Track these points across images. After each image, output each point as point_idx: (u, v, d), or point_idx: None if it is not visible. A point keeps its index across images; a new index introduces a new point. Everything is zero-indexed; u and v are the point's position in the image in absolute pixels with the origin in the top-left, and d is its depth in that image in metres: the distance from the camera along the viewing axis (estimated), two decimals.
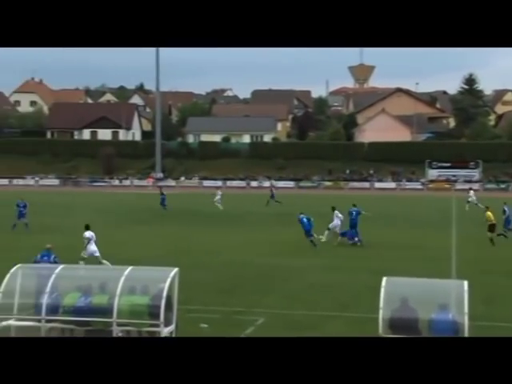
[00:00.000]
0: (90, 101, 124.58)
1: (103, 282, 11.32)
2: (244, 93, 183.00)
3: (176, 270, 11.26)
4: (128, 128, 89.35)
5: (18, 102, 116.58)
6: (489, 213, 26.37)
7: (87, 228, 20.08)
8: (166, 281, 10.85)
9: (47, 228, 30.50)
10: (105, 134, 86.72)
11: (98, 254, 19.63)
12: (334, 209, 26.50)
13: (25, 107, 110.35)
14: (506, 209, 28.45)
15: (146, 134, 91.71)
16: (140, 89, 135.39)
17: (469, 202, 40.23)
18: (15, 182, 73.27)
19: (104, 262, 19.16)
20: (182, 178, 75.04)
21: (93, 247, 19.77)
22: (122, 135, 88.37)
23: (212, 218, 35.44)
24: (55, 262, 15.38)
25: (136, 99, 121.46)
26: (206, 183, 73.80)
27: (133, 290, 11.08)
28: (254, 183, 73.00)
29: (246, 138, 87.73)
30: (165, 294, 10.68)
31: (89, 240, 19.85)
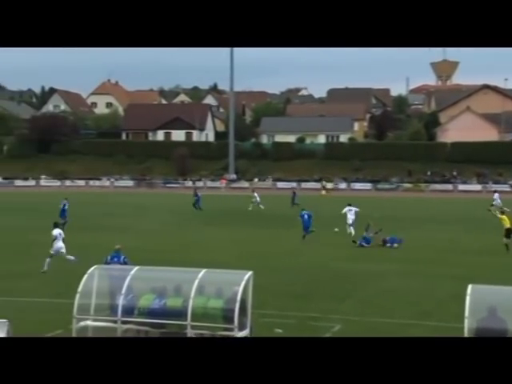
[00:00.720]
0: (164, 101, 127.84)
1: (178, 284, 11.47)
2: (319, 92, 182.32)
3: (250, 273, 11.32)
4: (201, 129, 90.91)
5: (94, 104, 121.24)
6: (504, 217, 26.01)
7: (55, 226, 21.16)
8: (240, 284, 10.92)
9: (120, 229, 31.56)
10: (178, 135, 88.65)
11: (63, 250, 20.60)
12: (349, 204, 29.97)
13: (101, 109, 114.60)
14: None
15: (219, 135, 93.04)
16: (214, 89, 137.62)
17: (493, 205, 39.43)
18: (91, 183, 76.20)
19: (69, 257, 20.24)
20: (256, 180, 75.57)
21: (59, 244, 20.74)
22: (196, 136, 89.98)
23: (285, 220, 35.49)
24: (125, 263, 15.77)
25: (209, 99, 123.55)
26: (280, 185, 73.95)
27: (207, 292, 11.19)
28: (329, 185, 72.47)
29: (322, 139, 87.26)
30: (239, 297, 10.74)
31: (56, 237, 20.85)
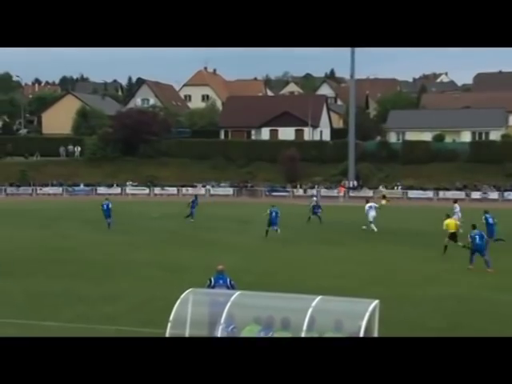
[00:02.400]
0: (270, 93, 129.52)
1: (286, 314, 11.46)
2: (463, 78, 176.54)
3: (376, 302, 11.19)
4: (315, 125, 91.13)
5: (188, 97, 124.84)
6: (450, 221, 30.03)
7: None
8: (364, 316, 10.83)
9: (218, 245, 32.24)
10: (287, 133, 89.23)
11: None
12: (367, 201, 38.84)
13: (196, 102, 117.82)
14: (487, 217, 32.37)
15: (336, 133, 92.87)
16: (330, 77, 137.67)
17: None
18: (184, 190, 78.38)
19: None
20: (381, 188, 74.60)
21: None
22: (308, 134, 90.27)
23: (422, 238, 34.76)
24: (232, 287, 16.11)
25: (325, 90, 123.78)
26: (412, 194, 72.43)
27: (322, 326, 11.12)
28: (475, 194, 70.05)
29: (466, 136, 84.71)
30: (362, 331, 10.67)
31: None
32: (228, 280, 16.24)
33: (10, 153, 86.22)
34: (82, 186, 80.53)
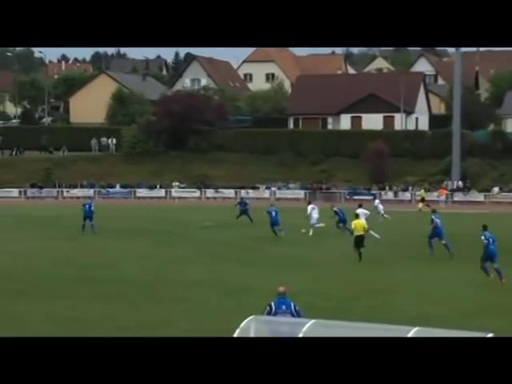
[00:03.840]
0: (351, 71, 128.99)
1: None
2: None
3: (490, 335, 11.27)
4: (409, 111, 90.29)
5: (249, 76, 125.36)
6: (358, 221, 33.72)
7: None
8: None
9: (287, 261, 32.40)
10: (373, 121, 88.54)
11: None
12: (360, 206, 40.78)
13: (258, 83, 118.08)
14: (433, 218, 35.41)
15: (436, 120, 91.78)
16: (428, 50, 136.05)
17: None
18: (243, 193, 78.44)
19: None
20: (495, 189, 73.42)
21: None
22: (400, 122, 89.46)
23: None
24: (297, 314, 16.22)
25: (422, 65, 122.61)
26: None
27: None
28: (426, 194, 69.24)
29: None
30: None
31: None
32: (292, 305, 16.29)
33: (44, 147, 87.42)
34: (117, 188, 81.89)
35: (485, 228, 28.86)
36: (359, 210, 38.83)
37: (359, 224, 33.89)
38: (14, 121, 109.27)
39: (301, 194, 78.66)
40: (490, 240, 28.17)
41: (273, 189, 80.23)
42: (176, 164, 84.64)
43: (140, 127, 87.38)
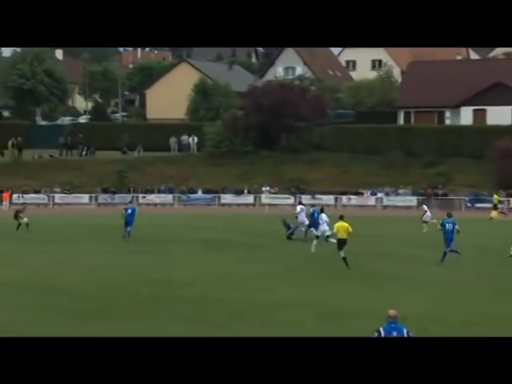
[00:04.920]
0: (474, 55, 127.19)
1: None
2: None
3: None
4: None
5: (352, 64, 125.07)
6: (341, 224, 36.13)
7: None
8: None
9: (399, 280, 32.09)
10: (500, 115, 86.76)
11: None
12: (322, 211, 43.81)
13: (363, 71, 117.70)
14: None
15: None
16: None
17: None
18: (344, 199, 77.94)
19: None
20: None
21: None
22: None
23: None
24: None
25: None
26: None
27: None
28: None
29: None
30: None
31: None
32: (405, 331, 16.35)
33: (118, 146, 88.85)
34: (200, 193, 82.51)
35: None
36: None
37: (343, 226, 36.02)
38: (84, 117, 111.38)
39: (412, 200, 77.92)
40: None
41: (379, 195, 79.76)
42: (266, 166, 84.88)
43: (225, 123, 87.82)
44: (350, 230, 35.98)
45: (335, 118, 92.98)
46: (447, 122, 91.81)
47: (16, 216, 51.32)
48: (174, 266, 36.01)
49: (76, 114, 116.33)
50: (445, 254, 37.13)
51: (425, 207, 58.06)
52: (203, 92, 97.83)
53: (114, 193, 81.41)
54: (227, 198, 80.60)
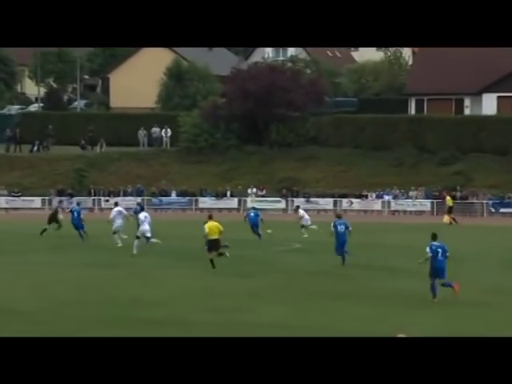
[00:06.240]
0: None
1: None
2: None
3: None
4: None
5: None
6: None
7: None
8: None
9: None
10: None
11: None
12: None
13: (367, 52, 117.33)
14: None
15: None
16: None
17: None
18: (345, 203, 77.94)
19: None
20: None
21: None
22: None
23: None
24: None
25: None
26: None
27: None
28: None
29: None
30: None
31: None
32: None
33: (88, 140, 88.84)
34: (174, 196, 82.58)
35: (434, 237, 32.60)
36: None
37: (213, 226, 39.12)
38: (35, 105, 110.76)
39: (426, 204, 78.10)
40: (440, 251, 31.92)
41: (386, 198, 79.87)
42: (252, 163, 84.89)
43: (204, 113, 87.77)
44: (221, 228, 39.24)
45: (334, 106, 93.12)
46: (466, 111, 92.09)
47: None
48: (140, 283, 36.01)
49: (26, 101, 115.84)
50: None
51: (301, 211, 57.99)
52: (177, 76, 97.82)
53: (72, 196, 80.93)
54: (206, 202, 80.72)
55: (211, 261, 38.91)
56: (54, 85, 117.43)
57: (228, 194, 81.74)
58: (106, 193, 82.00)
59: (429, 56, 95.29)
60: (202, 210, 78.94)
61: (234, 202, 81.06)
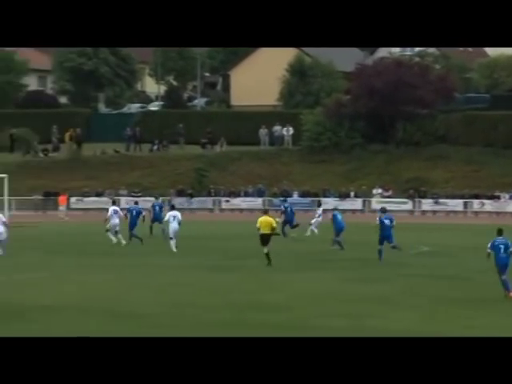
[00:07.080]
0: None
1: None
2: None
3: None
4: None
5: None
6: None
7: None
8: None
9: None
10: None
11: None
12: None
13: None
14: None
15: None
16: None
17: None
18: (476, 205, 76.99)
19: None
20: None
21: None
22: None
23: None
24: None
25: None
26: None
27: None
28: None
29: None
30: None
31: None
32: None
33: (209, 139, 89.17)
34: (295, 197, 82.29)
35: (499, 233, 32.45)
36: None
37: (266, 221, 40.41)
38: (155, 103, 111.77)
39: None
40: (502, 247, 31.76)
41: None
42: (378, 163, 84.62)
43: (327, 111, 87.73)
44: (274, 224, 40.77)
45: (465, 103, 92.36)
46: None
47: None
48: (261, 286, 35.73)
49: (146, 99, 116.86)
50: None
51: (320, 210, 60.55)
52: (300, 72, 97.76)
53: (192, 196, 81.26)
54: (329, 203, 79.87)
55: (267, 255, 40.38)
56: (175, 82, 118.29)
57: (352, 194, 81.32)
58: (226, 193, 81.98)
59: None
60: (324, 211, 78.41)
61: (358, 203, 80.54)
